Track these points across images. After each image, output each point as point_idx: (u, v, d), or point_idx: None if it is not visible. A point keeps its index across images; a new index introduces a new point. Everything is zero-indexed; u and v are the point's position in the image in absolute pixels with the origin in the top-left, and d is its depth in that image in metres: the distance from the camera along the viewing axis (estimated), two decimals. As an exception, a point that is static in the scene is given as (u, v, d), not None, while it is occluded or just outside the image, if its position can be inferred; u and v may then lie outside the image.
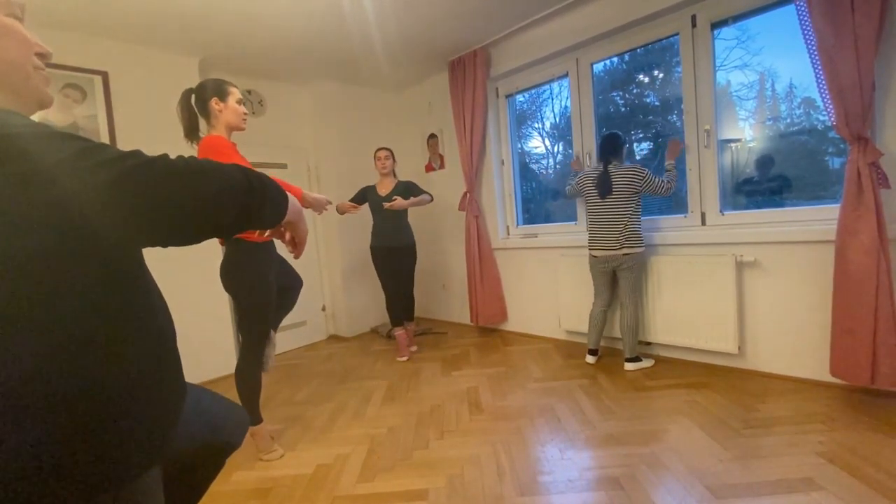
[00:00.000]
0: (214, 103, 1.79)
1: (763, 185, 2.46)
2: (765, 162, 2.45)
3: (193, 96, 1.83)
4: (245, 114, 1.87)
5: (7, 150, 0.48)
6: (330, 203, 2.08)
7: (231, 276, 1.87)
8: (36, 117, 0.61)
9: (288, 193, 0.75)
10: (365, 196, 3.18)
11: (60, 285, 0.52)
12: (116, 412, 0.55)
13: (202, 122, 1.88)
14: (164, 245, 0.58)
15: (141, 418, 0.59)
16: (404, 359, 3.21)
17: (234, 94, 1.84)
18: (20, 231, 0.49)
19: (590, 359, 2.75)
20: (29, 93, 0.61)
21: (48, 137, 0.51)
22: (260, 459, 1.94)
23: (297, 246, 0.87)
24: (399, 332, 3.27)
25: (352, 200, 3.14)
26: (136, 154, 0.54)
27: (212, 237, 0.62)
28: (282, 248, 1.97)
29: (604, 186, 2.51)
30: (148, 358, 0.61)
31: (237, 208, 0.61)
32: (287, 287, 2.12)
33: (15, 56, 0.58)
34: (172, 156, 0.58)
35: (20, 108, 0.60)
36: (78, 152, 0.50)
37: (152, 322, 0.64)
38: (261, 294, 1.89)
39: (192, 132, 1.85)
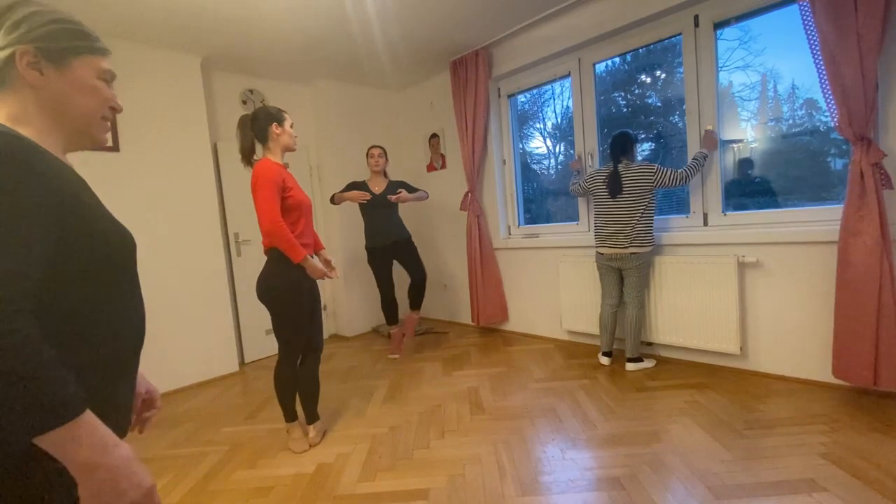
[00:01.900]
0: (274, 128, 1.94)
1: (765, 186, 2.45)
2: (767, 163, 2.45)
3: (251, 122, 1.95)
4: (296, 136, 2.02)
5: None
6: (328, 276, 2.03)
7: (264, 284, 1.92)
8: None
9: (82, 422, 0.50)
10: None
11: None
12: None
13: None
14: None
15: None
16: (394, 356, 3.23)
17: (289, 119, 2.00)
18: None
19: (604, 360, 2.72)
20: (87, 134, 0.71)
21: None
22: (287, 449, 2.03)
23: None
24: (395, 330, 3.29)
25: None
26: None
27: None
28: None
29: (614, 186, 2.50)
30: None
31: None
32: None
33: (89, 110, 0.70)
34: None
35: (75, 143, 0.70)
36: None
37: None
38: (292, 305, 1.93)
39: (248, 155, 1.98)
